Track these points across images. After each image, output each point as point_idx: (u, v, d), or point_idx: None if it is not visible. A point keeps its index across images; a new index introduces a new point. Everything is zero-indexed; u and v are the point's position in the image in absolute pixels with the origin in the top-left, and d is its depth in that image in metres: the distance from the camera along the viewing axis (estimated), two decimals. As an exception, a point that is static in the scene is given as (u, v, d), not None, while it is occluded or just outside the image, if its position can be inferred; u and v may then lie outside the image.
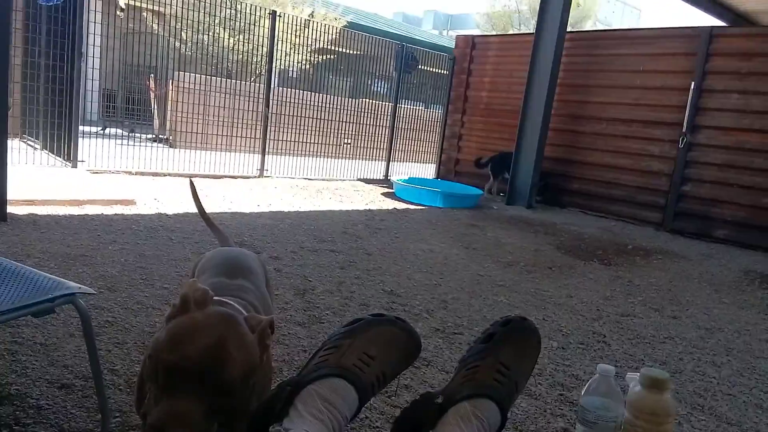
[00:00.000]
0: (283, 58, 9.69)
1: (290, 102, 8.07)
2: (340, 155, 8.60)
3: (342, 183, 7.65)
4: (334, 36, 9.09)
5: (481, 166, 7.90)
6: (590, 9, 26.52)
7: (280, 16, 7.17)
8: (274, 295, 1.97)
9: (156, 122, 9.75)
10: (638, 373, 0.99)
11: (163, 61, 7.98)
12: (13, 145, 4.98)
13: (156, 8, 7.00)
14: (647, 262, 4.73)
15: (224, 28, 9.69)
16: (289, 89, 8.65)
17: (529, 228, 5.74)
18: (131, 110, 9.31)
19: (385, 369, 0.98)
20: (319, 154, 8.34)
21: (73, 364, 1.92)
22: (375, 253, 3.99)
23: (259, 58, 8.87)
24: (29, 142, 6.85)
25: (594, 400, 0.99)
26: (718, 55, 6.18)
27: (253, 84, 8.57)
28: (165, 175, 6.35)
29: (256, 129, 7.46)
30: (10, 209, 3.70)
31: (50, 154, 6.21)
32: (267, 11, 7.24)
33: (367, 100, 9.30)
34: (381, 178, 8.48)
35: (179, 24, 7.63)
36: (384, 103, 9.26)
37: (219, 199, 5.24)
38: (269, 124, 7.40)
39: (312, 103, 8.41)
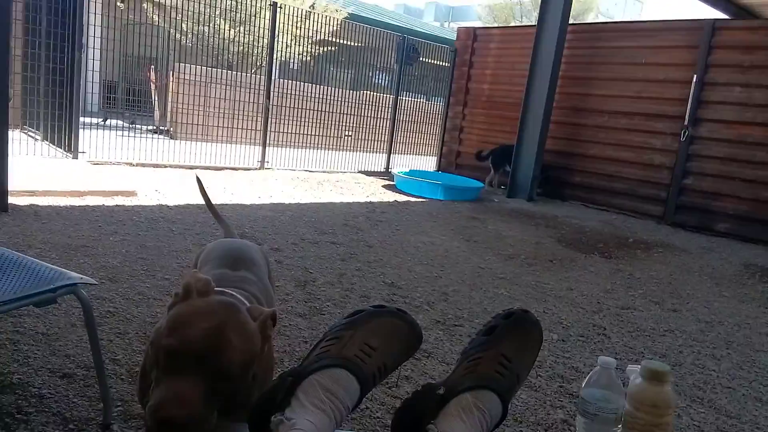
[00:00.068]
0: (283, 50, 9.65)
1: (291, 94, 8.05)
2: (341, 147, 8.59)
3: (343, 175, 7.64)
4: (335, 28, 9.04)
5: (482, 158, 7.89)
6: (592, 1, 26.40)
7: (280, 7, 7.13)
8: (275, 287, 1.98)
9: (156, 114, 9.73)
10: (639, 366, 0.99)
11: (163, 53, 7.95)
12: (14, 136, 4.97)
13: (156, -1, 6.97)
14: (648, 256, 4.73)
15: (225, 20, 9.65)
16: (290, 81, 8.62)
17: (530, 221, 5.74)
18: (132, 102, 9.29)
19: (387, 360, 0.98)
20: (320, 146, 8.33)
21: (74, 353, 1.93)
22: (376, 245, 3.99)
23: (259, 50, 8.84)
24: (30, 133, 6.84)
25: (595, 392, 1.00)
26: (721, 47, 6.15)
27: (253, 76, 8.54)
28: (166, 167, 6.34)
29: (257, 121, 7.45)
30: (11, 200, 3.71)
31: (51, 145, 6.20)
32: (268, 2, 7.20)
33: (368, 92, 9.28)
34: (382, 170, 8.47)
35: (179, 15, 7.59)
36: (385, 95, 9.23)
37: (220, 191, 5.24)
38: (270, 116, 7.39)
39: (313, 95, 8.39)
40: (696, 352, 2.72)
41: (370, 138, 8.90)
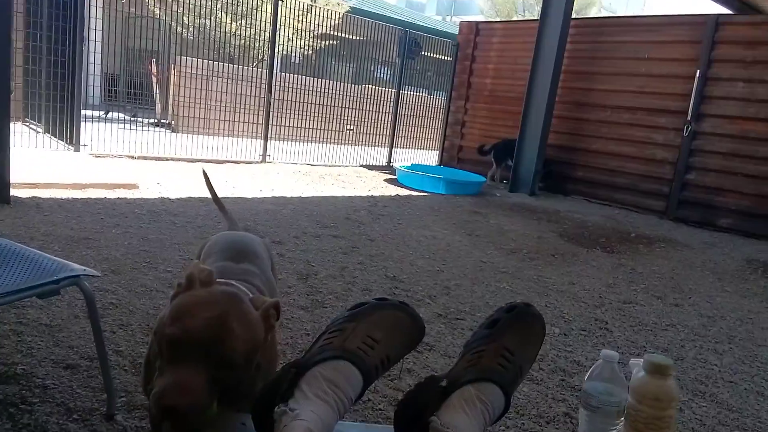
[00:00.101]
0: (285, 44, 9.62)
1: (293, 88, 8.03)
2: (343, 141, 8.58)
3: (345, 169, 7.64)
4: (336, 21, 9.02)
5: (484, 153, 7.88)
6: (596, -5, 26.28)
7: (282, 0, 7.11)
8: (278, 280, 1.98)
9: (158, 107, 9.72)
10: (641, 359, 0.99)
11: (164, 46, 7.93)
12: (16, 128, 4.97)
13: (158, -9, 6.94)
14: (650, 250, 4.73)
15: (226, 13, 9.62)
16: (291, 75, 8.60)
17: (532, 215, 5.73)
18: (133, 95, 9.27)
19: (389, 352, 0.98)
20: (321, 140, 8.32)
21: (78, 344, 1.93)
22: (378, 239, 4.00)
23: (261, 43, 8.81)
24: (31, 126, 6.84)
25: (597, 386, 1.00)
26: (724, 43, 6.12)
27: (255, 69, 8.52)
28: (167, 160, 6.34)
29: (258, 114, 7.44)
30: (13, 192, 3.71)
31: (52, 137, 6.20)
32: (270, -5, 7.17)
33: (370, 86, 9.25)
34: (384, 164, 8.47)
35: (181, 8, 7.57)
36: (387, 89, 9.21)
37: (222, 184, 5.24)
38: (272, 110, 7.37)
39: (315, 89, 8.37)
40: (698, 346, 2.72)
41: (371, 132, 8.88)
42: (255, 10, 7.47)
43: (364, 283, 3.01)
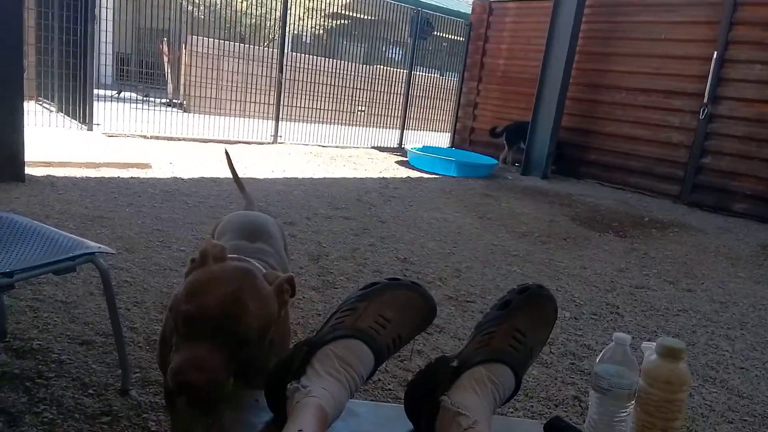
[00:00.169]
0: (296, 23, 9.55)
1: (304, 68, 7.98)
2: (354, 122, 8.54)
3: (356, 150, 7.62)
4: (348, 0, 8.91)
5: (496, 135, 7.81)
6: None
7: (294, -22, 7.04)
8: (290, 260, 1.99)
9: (170, 86, 9.72)
10: (653, 343, 0.98)
11: (176, 25, 7.90)
12: (29, 107, 5.00)
13: (169, -30, 6.89)
14: (663, 235, 4.69)
15: (237, -9, 9.55)
16: (302, 55, 8.55)
17: (544, 198, 5.70)
18: (145, 74, 9.28)
19: (401, 332, 0.99)
20: (333, 120, 8.29)
21: (93, 321, 1.96)
22: (389, 220, 4.00)
23: (272, 23, 8.75)
24: (44, 105, 6.88)
25: (609, 368, 0.99)
26: (742, 24, 5.98)
27: (266, 49, 8.48)
28: (179, 140, 6.36)
29: (269, 95, 7.42)
30: (28, 170, 3.74)
31: (65, 116, 6.23)
32: (282, -26, 7.10)
33: (382, 66, 9.18)
34: (395, 146, 8.43)
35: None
36: (398, 69, 9.13)
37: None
38: (283, 90, 7.35)
39: (326, 69, 8.32)
40: (710, 332, 2.71)
41: (383, 113, 8.84)
42: (266, -11, 7.40)
43: (375, 264, 3.02)
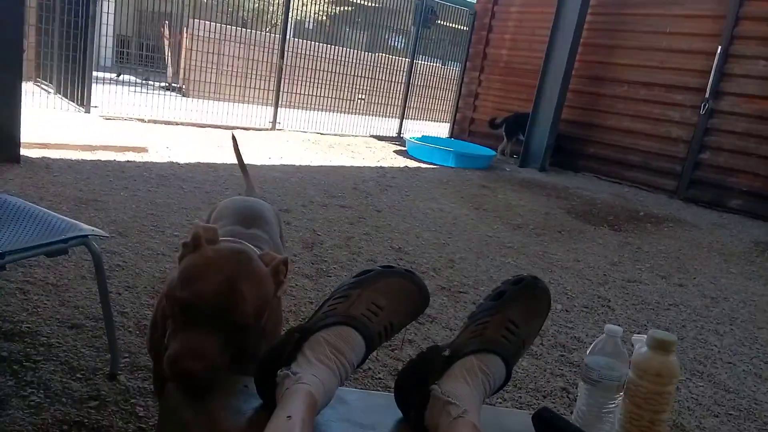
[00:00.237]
0: (299, 9, 9.46)
1: (305, 54, 7.93)
2: (354, 111, 8.50)
3: (354, 139, 7.60)
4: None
5: (495, 126, 7.79)
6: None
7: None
8: (285, 247, 1.99)
9: (169, 70, 9.66)
10: (644, 335, 0.99)
11: (177, 8, 7.83)
12: (27, 88, 4.96)
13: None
14: (658, 230, 4.70)
15: (239, -25, 9.44)
16: (304, 41, 8.49)
17: (541, 191, 5.70)
18: (145, 57, 9.21)
19: (393, 319, 0.99)
20: (332, 108, 8.25)
21: (84, 305, 1.96)
22: (385, 210, 3.99)
23: (275, 8, 8.68)
24: (43, 86, 6.83)
25: (599, 360, 1.00)
26: (748, 19, 5.95)
27: (268, 34, 8.41)
28: (177, 124, 6.33)
29: (269, 81, 7.37)
30: (23, 152, 3.73)
31: (63, 98, 6.19)
32: (283, -42, 7.03)
33: (384, 54, 9.12)
34: (394, 135, 8.40)
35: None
36: (400, 58, 9.08)
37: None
38: (283, 76, 7.30)
39: (327, 56, 8.26)
40: (699, 326, 2.72)
41: (383, 102, 8.80)
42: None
43: (370, 253, 3.02)
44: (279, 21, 7.75)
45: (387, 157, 6.50)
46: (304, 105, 7.91)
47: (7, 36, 3.47)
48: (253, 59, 7.46)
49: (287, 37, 7.25)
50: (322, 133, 7.51)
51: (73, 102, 6.03)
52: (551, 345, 2.27)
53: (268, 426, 0.76)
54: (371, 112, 8.63)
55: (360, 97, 8.72)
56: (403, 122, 8.64)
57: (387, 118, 8.62)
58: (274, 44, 7.34)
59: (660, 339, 0.94)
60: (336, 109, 8.27)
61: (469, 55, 8.78)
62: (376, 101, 8.76)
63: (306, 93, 8.01)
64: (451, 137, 8.83)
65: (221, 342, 0.86)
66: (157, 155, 4.55)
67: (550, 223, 4.39)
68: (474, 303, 2.54)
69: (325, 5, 10.68)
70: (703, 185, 6.27)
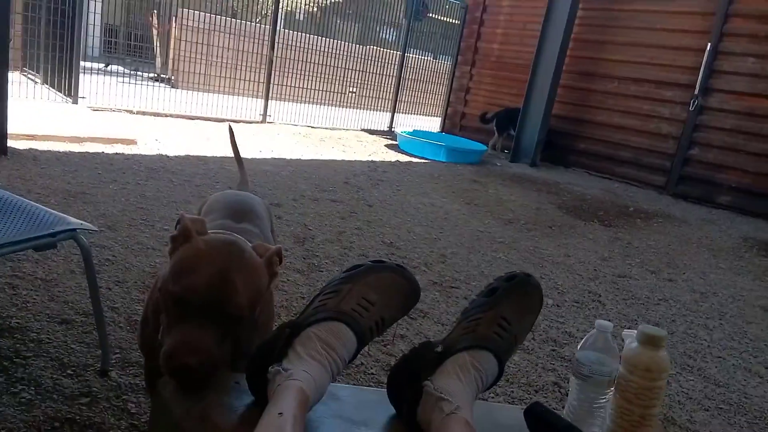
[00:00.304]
0: None
1: (296, 46, 7.88)
2: (345, 104, 8.47)
3: (345, 132, 7.57)
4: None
5: (486, 121, 7.79)
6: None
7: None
8: (276, 242, 1.98)
9: (158, 61, 9.56)
10: (634, 330, 0.99)
11: (166, -2, 7.74)
12: (14, 78, 4.89)
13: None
14: (647, 225, 4.73)
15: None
16: (295, 32, 8.43)
17: (531, 186, 5.72)
18: (133, 48, 9.10)
19: (384, 314, 0.98)
20: (323, 101, 8.21)
21: (73, 300, 1.94)
22: (376, 204, 3.99)
23: (265, -1, 8.61)
24: (29, 76, 6.73)
25: (590, 355, 1.00)
26: (738, 16, 5.99)
27: (258, 25, 8.35)
28: (166, 116, 6.27)
29: (260, 72, 7.32)
30: (10, 143, 3.67)
31: (51, 88, 6.11)
32: (274, -51, 6.97)
33: (375, 47, 9.09)
34: (385, 129, 8.39)
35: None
36: (392, 51, 9.05)
37: (221, 144, 5.20)
38: (273, 69, 7.25)
39: (318, 48, 8.21)
40: (689, 321, 2.75)
41: (374, 95, 8.77)
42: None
43: (361, 248, 3.02)
44: (269, 12, 7.70)
45: (378, 151, 6.48)
46: (295, 98, 7.87)
47: (-7, 25, 3.41)
48: (243, 50, 7.40)
49: (278, 28, 7.19)
50: (313, 127, 7.48)
51: (61, 92, 5.95)
52: (542, 340, 2.28)
53: (259, 423, 0.76)
54: (362, 106, 8.61)
55: (351, 90, 8.68)
56: (395, 116, 8.62)
57: (378, 112, 8.60)
58: (264, 35, 7.29)
59: (650, 334, 0.95)
60: (327, 102, 8.23)
61: (461, 49, 8.76)
62: (368, 94, 8.73)
63: (297, 85, 7.96)
64: (442, 131, 8.83)
65: (217, 335, 0.85)
66: (146, 147, 4.50)
67: (541, 218, 4.41)
68: (465, 298, 2.55)
69: (317, -3, 10.61)
70: (692, 181, 6.32)
